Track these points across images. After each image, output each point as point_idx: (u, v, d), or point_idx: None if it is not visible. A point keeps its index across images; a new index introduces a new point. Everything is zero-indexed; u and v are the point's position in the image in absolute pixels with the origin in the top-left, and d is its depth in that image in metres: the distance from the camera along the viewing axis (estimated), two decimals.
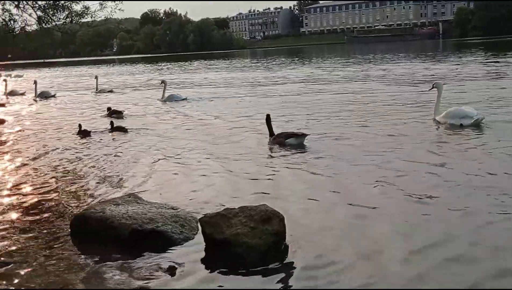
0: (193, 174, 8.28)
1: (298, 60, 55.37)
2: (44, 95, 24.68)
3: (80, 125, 12.86)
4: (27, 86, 30.37)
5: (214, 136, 11.63)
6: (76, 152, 10.67)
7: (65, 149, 11.09)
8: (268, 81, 28.06)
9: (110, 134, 12.72)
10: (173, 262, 4.78)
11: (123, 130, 12.81)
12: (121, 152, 10.40)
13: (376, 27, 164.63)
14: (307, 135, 10.04)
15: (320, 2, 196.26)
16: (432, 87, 12.45)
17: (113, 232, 5.27)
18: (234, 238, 4.84)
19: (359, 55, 57.98)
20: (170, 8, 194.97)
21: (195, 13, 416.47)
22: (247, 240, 4.82)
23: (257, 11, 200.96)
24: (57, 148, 11.16)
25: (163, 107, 18.32)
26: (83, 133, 12.50)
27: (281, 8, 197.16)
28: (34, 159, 10.12)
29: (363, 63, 40.94)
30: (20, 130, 14.12)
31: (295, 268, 4.68)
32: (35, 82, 26.04)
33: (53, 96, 24.80)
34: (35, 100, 23.78)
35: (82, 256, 5.09)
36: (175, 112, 16.73)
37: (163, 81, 20.81)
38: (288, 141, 9.89)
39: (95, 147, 11.16)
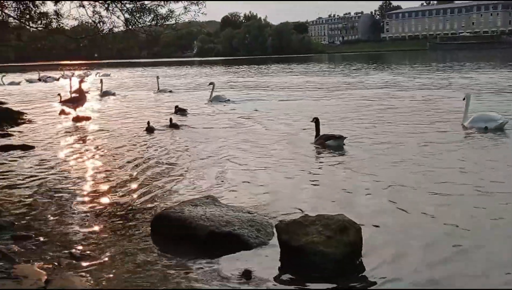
0: (260, 176, 8.48)
1: (377, 66, 54.48)
2: (108, 93, 26.28)
3: (148, 123, 13.86)
4: (114, 84, 31.84)
5: (272, 138, 12.08)
6: (148, 149, 11.30)
7: (138, 145, 11.75)
8: (344, 86, 27.96)
9: (169, 129, 13.90)
10: (248, 266, 4.82)
11: (176, 126, 14.08)
12: (189, 150, 10.97)
13: (461, 34, 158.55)
14: (345, 137, 10.69)
15: (403, 7, 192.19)
16: (464, 99, 12.97)
17: (191, 232, 5.40)
18: (310, 246, 4.81)
19: (442, 63, 56.25)
20: (250, 12, 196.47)
21: (275, 17, 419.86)
22: (323, 249, 4.78)
23: (337, 15, 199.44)
24: (134, 145, 11.74)
25: (211, 107, 19.51)
26: (150, 130, 13.53)
27: (361, 13, 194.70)
28: (114, 155, 10.56)
29: (446, 71, 39.67)
30: (101, 128, 14.70)
31: (370, 280, 4.60)
32: (158, 77, 28.96)
33: (113, 94, 26.43)
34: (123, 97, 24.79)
35: (160, 254, 5.23)
36: (229, 113, 17.58)
37: (211, 83, 22.30)
38: (327, 143, 10.66)
39: (166, 145, 11.70)
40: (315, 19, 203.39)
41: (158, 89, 27.78)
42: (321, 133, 11.12)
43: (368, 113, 16.00)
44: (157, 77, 29.14)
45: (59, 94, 23.70)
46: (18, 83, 38.11)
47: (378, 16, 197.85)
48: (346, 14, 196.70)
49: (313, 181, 8.12)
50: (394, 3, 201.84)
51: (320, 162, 9.62)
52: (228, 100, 21.09)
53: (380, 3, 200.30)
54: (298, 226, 5.02)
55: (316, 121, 11.28)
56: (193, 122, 15.30)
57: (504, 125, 11.77)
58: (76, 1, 19.65)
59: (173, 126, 14.14)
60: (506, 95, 19.23)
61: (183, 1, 19.32)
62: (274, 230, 5.37)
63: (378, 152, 10.11)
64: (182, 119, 15.86)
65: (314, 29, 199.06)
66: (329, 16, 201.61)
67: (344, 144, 10.65)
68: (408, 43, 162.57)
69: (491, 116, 12.18)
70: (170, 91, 27.51)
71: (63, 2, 19.94)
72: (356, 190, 7.49)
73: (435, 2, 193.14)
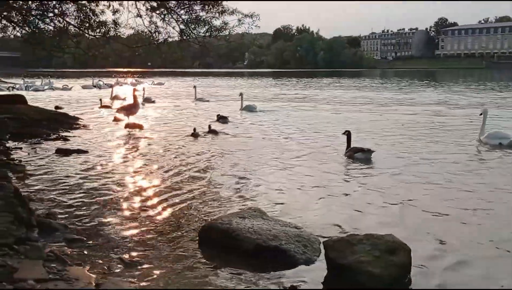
0: (300, 188, 8.55)
1: (429, 83, 53.58)
2: (149, 100, 27.40)
3: (194, 129, 14.82)
4: (157, 92, 32.52)
5: (309, 150, 12.44)
6: (194, 156, 11.55)
7: (185, 153, 12.01)
8: (392, 102, 27.88)
9: (210, 135, 14.84)
10: (294, 282, 4.80)
11: (215, 132, 15.03)
12: (232, 158, 11.27)
13: None
14: (373, 151, 11.10)
15: (459, 24, 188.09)
16: (481, 114, 14.18)
17: (237, 244, 5.43)
18: (358, 265, 4.76)
19: (499, 82, 54.69)
20: (302, 25, 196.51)
21: (327, 30, 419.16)
22: (371, 269, 4.71)
23: (391, 31, 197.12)
24: (181, 152, 11.96)
25: (243, 116, 20.87)
26: (195, 136, 14.42)
27: (416, 29, 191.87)
28: (162, 162, 10.74)
29: (503, 90, 38.58)
30: (151, 135, 14.99)
31: None
32: (195, 87, 31.04)
33: (153, 101, 27.64)
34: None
35: (208, 264, 5.28)
36: (266, 123, 18.35)
37: (241, 94, 24.14)
38: (356, 155, 11.06)
39: (211, 152, 12.08)
40: (368, 34, 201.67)
41: (196, 98, 29.30)
42: (352, 146, 11.51)
43: (414, 129, 16.12)
44: (194, 87, 31.14)
45: (100, 99, 24.73)
46: (70, 88, 39.44)
47: (433, 33, 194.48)
48: (400, 29, 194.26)
49: (354, 196, 8.14)
50: (451, 20, 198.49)
51: (361, 176, 9.60)
52: (257, 109, 22.68)
53: (436, 19, 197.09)
54: (346, 244, 4.97)
55: (348, 134, 11.68)
56: (231, 130, 16.10)
57: None
58: (133, 11, 20.26)
59: (211, 132, 15.07)
60: None
61: (237, 14, 19.64)
62: (321, 246, 5.34)
63: (417, 169, 10.08)
64: (222, 126, 16.93)
65: (366, 43, 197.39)
66: (383, 31, 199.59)
67: (371, 157, 10.99)
68: (464, 61, 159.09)
69: (504, 134, 13.24)
70: (208, 101, 29.04)
71: (121, 11, 20.58)
72: (401, 208, 7.42)
73: (493, 20, 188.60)
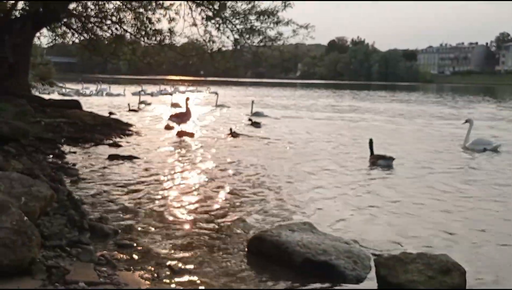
0: (352, 203, 8.40)
1: (488, 99, 52.05)
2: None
3: (230, 129, 16.80)
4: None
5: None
6: (239, 165, 11.61)
7: (231, 162, 12.05)
8: (441, 117, 27.72)
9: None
10: None
11: (235, 135, 16.45)
12: (280, 168, 11.37)
13: None
14: (394, 159, 11.87)
15: None
16: (465, 122, 15.99)
17: (286, 257, 5.37)
18: (410, 284, 4.62)
19: None
20: (358, 37, 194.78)
21: (383, 43, 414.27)
22: (423, 289, 4.56)
23: (449, 45, 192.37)
24: (232, 162, 11.95)
25: (280, 124, 21.50)
26: (234, 135, 16.17)
27: (476, 43, 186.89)
28: (211, 169, 10.87)
29: None
30: (200, 143, 15.12)
31: None
32: (217, 94, 32.60)
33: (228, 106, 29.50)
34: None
35: (256, 275, 5.24)
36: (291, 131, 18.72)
37: (253, 101, 26.70)
38: (378, 162, 11.83)
39: (251, 161, 12.18)
40: (426, 47, 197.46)
41: (216, 104, 30.55)
42: (375, 153, 12.30)
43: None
44: (216, 94, 32.81)
45: (128, 104, 26.23)
46: (124, 95, 40.68)
47: (494, 48, 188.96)
48: (459, 44, 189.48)
49: (401, 209, 8.09)
50: None
51: (410, 189, 9.59)
52: (266, 115, 24.30)
53: (497, 34, 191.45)
54: (398, 263, 4.83)
55: (370, 142, 12.44)
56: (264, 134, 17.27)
57: (497, 147, 14.50)
58: (189, 20, 20.61)
59: (233, 135, 16.45)
60: None
61: (292, 24, 19.67)
62: (372, 263, 5.22)
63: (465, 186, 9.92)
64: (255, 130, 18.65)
65: (423, 57, 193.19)
66: (441, 45, 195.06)
67: (392, 165, 11.71)
68: None
69: (487, 140, 15.13)
70: (228, 107, 30.49)
71: (177, 20, 20.96)
72: (455, 223, 7.30)
73: None
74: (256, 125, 19.74)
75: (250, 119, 20.74)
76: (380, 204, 8.30)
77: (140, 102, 29.64)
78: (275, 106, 33.83)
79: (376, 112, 29.59)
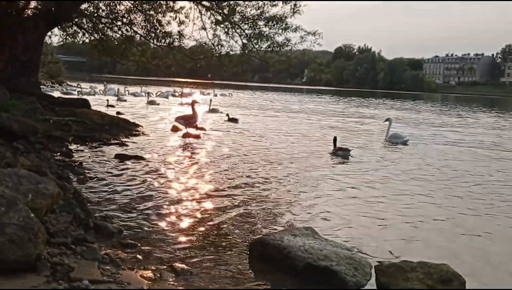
0: (356, 209, 8.46)
1: (492, 110, 52.02)
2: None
3: (227, 115, 19.38)
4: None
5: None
6: (244, 168, 11.36)
7: (241, 163, 12.19)
8: (444, 124, 28.42)
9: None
10: None
11: (234, 120, 20.60)
12: (286, 171, 11.45)
13: None
14: (351, 150, 14.06)
15: None
16: (386, 120, 19.21)
17: (287, 262, 5.41)
18: None
19: None
20: (364, 44, 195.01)
21: (389, 51, 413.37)
22: None
23: (455, 55, 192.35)
24: (237, 163, 11.91)
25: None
26: (233, 120, 19.66)
27: (482, 54, 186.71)
28: (218, 173, 10.86)
29: None
30: (206, 145, 15.23)
31: None
32: (211, 100, 32.46)
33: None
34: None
35: (257, 278, 5.30)
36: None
37: (210, 100, 29.59)
38: (337, 152, 13.99)
39: (265, 164, 12.43)
40: (431, 57, 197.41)
41: (210, 109, 30.33)
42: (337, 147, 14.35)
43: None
44: (210, 100, 32.72)
45: (107, 100, 28.39)
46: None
47: (499, 59, 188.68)
48: (465, 54, 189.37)
49: (407, 215, 8.20)
50: None
51: (417, 194, 9.75)
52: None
53: (503, 45, 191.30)
54: (399, 271, 4.89)
55: (334, 139, 14.67)
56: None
57: (406, 142, 17.62)
58: (198, 24, 20.74)
59: (231, 120, 20.02)
60: None
61: (300, 31, 19.74)
62: (372, 271, 5.26)
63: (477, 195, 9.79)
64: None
65: (429, 67, 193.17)
66: (446, 55, 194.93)
67: (351, 156, 13.76)
68: None
69: (400, 135, 18.17)
70: (221, 112, 30.34)
71: (186, 23, 21.10)
72: (457, 232, 7.37)
73: None
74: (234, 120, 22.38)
75: (227, 115, 23.53)
76: (390, 211, 8.34)
77: (149, 102, 31.75)
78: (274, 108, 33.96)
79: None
